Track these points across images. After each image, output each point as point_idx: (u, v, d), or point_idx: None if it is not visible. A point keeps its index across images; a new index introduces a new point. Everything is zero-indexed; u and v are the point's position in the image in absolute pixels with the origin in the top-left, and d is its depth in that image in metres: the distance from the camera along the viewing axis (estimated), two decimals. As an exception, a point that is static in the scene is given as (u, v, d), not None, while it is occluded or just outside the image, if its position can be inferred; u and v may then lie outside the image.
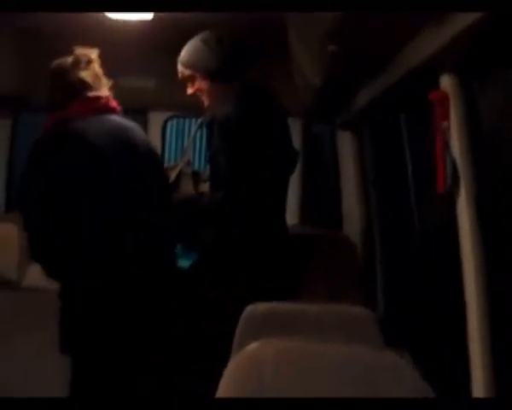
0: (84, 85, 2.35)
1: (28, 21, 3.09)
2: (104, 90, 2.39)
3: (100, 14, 3.01)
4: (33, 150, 2.32)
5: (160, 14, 3.09)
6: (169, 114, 3.92)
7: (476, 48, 1.47)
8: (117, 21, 3.12)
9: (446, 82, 1.68)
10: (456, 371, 1.91)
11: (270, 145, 2.63)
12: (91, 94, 2.34)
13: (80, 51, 2.40)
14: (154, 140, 3.71)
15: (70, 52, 2.52)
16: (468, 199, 1.71)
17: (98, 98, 2.35)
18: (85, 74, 2.36)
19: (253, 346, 1.56)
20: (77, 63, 2.37)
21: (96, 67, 2.40)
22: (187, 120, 6.95)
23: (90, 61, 2.39)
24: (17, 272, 2.61)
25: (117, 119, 2.37)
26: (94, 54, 2.41)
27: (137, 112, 3.88)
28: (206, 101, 2.77)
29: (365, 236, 3.43)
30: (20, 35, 3.30)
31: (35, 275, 2.55)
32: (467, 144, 1.68)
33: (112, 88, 2.42)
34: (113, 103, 2.39)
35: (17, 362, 2.26)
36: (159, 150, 3.52)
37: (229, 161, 2.51)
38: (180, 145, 6.82)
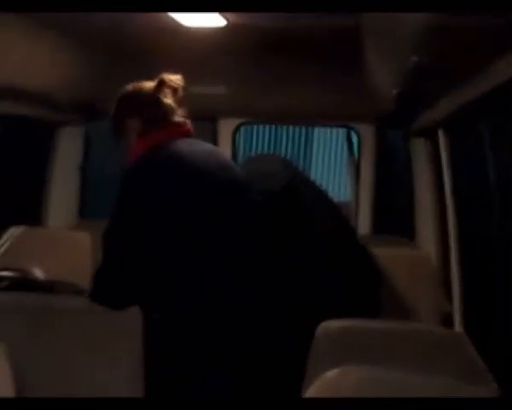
0: (171, 112, 2.35)
1: (101, 30, 3.13)
2: (181, 117, 2.40)
3: (171, 20, 3.01)
4: (130, 177, 2.22)
5: (230, 22, 3.07)
6: (239, 121, 3.88)
7: None
8: (188, 28, 3.12)
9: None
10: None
11: None
12: (176, 120, 2.35)
13: (167, 78, 2.39)
14: (225, 147, 3.70)
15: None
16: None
17: (183, 123, 2.36)
18: (171, 101, 2.36)
19: (333, 374, 1.52)
20: (164, 89, 2.37)
21: (180, 94, 2.40)
22: (256, 127, 6.95)
23: (176, 89, 2.39)
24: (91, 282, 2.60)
25: (200, 142, 2.38)
26: (179, 81, 2.41)
27: (208, 119, 3.88)
28: None
29: (440, 246, 3.34)
30: (93, 43, 3.35)
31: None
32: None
33: (186, 116, 2.42)
34: (191, 129, 2.41)
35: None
36: (230, 157, 3.50)
37: None
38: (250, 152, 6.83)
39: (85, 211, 3.94)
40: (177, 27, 3.09)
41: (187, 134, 2.35)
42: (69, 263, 2.90)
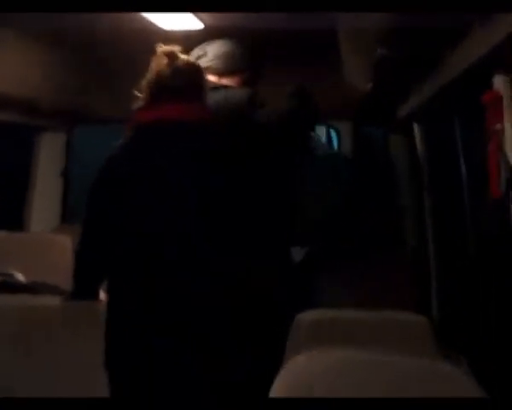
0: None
1: (80, 35, 3.16)
2: None
3: (149, 23, 3.04)
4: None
5: (206, 25, 3.11)
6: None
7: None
8: (165, 31, 3.15)
9: (499, 82, 1.62)
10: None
11: None
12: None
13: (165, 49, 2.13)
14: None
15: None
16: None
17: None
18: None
19: (301, 358, 1.55)
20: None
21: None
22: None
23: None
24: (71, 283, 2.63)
25: None
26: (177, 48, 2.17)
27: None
28: None
29: (419, 240, 3.38)
30: (73, 49, 3.37)
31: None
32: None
33: None
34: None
35: (62, 372, 2.22)
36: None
37: None
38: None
39: (67, 217, 3.95)
40: (154, 30, 3.12)
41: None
42: (51, 266, 2.92)
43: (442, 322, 3.02)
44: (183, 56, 2.15)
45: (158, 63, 2.09)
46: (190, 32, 3.16)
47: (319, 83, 3.44)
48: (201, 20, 3.03)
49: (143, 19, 2.93)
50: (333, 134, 4.15)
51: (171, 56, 2.10)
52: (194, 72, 2.15)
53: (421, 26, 1.60)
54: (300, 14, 2.85)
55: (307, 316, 2.03)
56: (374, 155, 4.15)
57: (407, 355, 1.60)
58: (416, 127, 2.99)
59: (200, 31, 3.12)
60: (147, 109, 2.06)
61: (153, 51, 2.20)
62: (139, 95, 2.08)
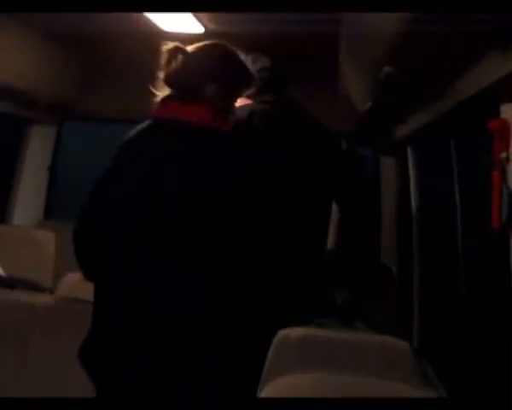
0: None
1: (76, 31, 3.12)
2: None
3: (150, 24, 3.01)
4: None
5: (207, 29, 3.10)
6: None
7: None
8: (166, 33, 3.13)
9: (507, 111, 1.62)
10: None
11: None
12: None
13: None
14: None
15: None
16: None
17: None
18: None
19: (286, 379, 1.53)
20: None
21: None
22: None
23: None
24: (51, 280, 2.59)
25: None
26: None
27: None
28: None
29: (403, 262, 3.38)
30: (72, 44, 3.34)
31: (70, 284, 2.51)
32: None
33: None
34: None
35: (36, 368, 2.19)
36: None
37: None
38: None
39: (50, 213, 3.90)
40: (155, 31, 3.09)
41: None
42: (31, 261, 2.87)
43: (422, 349, 3.01)
44: (190, 48, 2.13)
45: (165, 62, 2.11)
46: (191, 35, 3.14)
47: (314, 97, 3.45)
48: (203, 23, 3.01)
49: (144, 19, 2.91)
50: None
51: (176, 53, 2.10)
52: (204, 63, 2.12)
53: (432, 48, 1.60)
54: (303, 20, 2.83)
55: (294, 333, 2.00)
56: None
57: (387, 380, 1.60)
58: (409, 151, 2.99)
59: (200, 34, 3.11)
60: (158, 106, 2.07)
61: (153, 52, 2.18)
62: (155, 91, 2.08)
